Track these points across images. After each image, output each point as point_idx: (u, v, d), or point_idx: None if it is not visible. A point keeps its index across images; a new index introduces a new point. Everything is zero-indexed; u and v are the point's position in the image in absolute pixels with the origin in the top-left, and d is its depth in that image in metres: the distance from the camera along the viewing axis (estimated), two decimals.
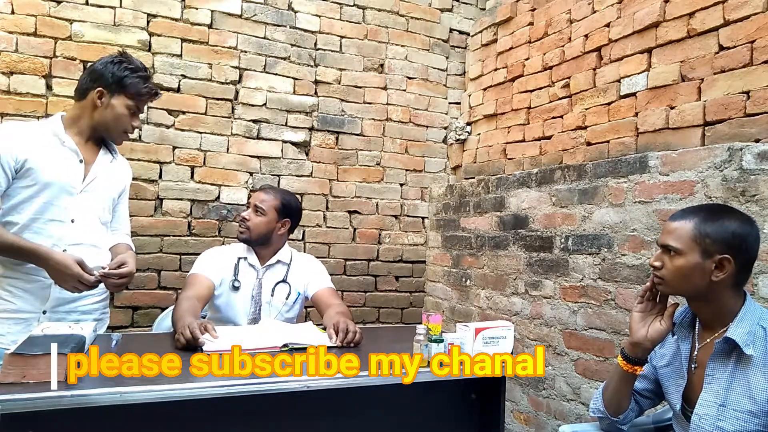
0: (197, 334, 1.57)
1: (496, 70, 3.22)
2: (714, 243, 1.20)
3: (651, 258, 1.31)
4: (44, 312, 1.66)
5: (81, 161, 1.71)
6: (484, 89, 3.31)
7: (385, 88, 3.29)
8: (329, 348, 1.63)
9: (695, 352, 1.30)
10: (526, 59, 3.00)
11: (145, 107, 2.69)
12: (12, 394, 1.15)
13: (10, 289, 1.63)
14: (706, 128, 2.04)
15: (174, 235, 2.79)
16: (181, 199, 2.81)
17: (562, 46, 2.75)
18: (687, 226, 1.24)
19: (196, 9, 2.84)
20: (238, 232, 2.10)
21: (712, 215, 1.24)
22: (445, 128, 3.49)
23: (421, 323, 1.59)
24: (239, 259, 2.08)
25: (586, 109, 2.59)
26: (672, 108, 2.18)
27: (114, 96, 1.69)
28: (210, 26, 2.88)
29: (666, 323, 1.28)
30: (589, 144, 2.56)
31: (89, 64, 1.68)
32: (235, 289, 2.02)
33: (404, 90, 3.35)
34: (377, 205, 3.28)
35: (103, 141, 1.81)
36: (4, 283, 1.63)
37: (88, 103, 1.69)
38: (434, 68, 3.44)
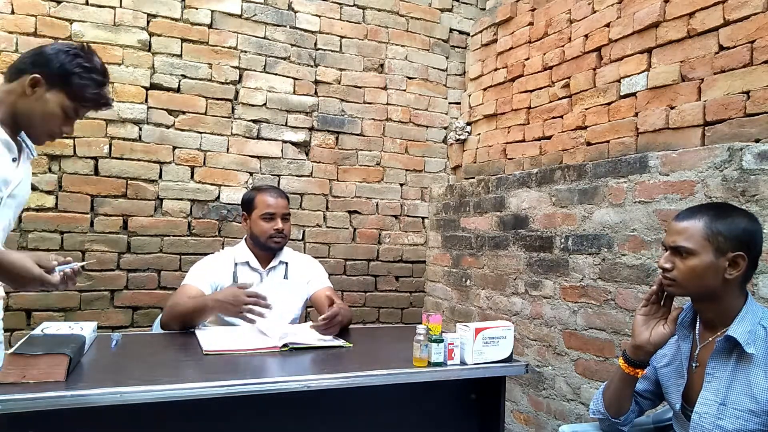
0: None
1: (496, 70, 3.22)
2: (727, 241, 1.20)
3: (659, 260, 1.28)
4: None
5: (14, 160, 1.42)
6: (484, 89, 3.31)
7: (385, 88, 3.30)
8: (324, 347, 1.64)
9: (696, 352, 1.30)
10: (526, 59, 3.00)
11: (146, 108, 2.73)
12: (12, 394, 1.15)
13: None
14: (706, 128, 2.04)
15: (174, 235, 2.79)
16: (181, 199, 2.81)
17: (562, 46, 2.75)
18: (698, 226, 1.23)
19: (196, 9, 2.84)
20: (275, 242, 2.07)
21: (721, 213, 1.24)
22: (445, 128, 3.49)
23: (421, 323, 1.58)
24: (236, 264, 2.06)
25: (586, 109, 2.59)
26: (672, 108, 2.18)
27: (51, 90, 1.38)
28: (210, 26, 2.88)
29: (669, 327, 1.28)
30: (589, 144, 2.56)
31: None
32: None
33: (404, 90, 3.35)
34: (377, 205, 3.28)
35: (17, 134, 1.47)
36: None
37: (17, 88, 1.38)
38: (434, 68, 3.45)
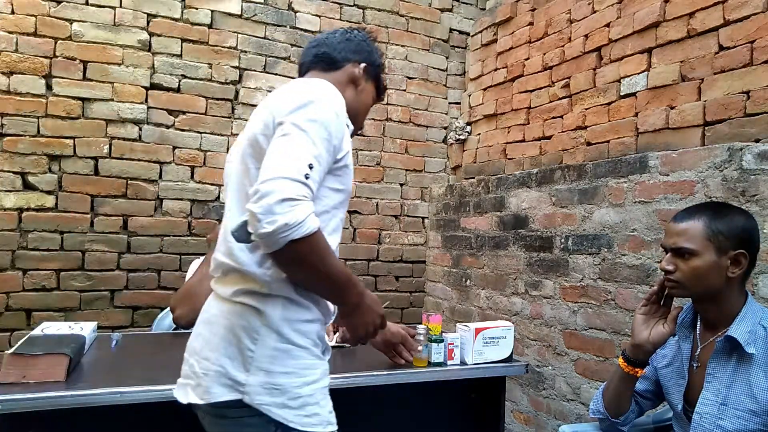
0: None
1: (496, 70, 3.22)
2: (727, 239, 1.20)
3: (661, 262, 1.28)
4: None
5: None
6: (484, 89, 3.31)
7: (385, 89, 3.28)
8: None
9: (696, 352, 1.30)
10: (526, 59, 3.00)
11: (146, 108, 2.73)
12: (12, 394, 1.15)
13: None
14: (706, 128, 2.04)
15: (174, 235, 2.79)
16: (181, 199, 2.81)
17: (562, 46, 2.75)
18: (697, 226, 1.23)
19: (196, 9, 2.84)
20: None
21: (719, 212, 1.25)
22: (445, 128, 3.49)
23: (421, 323, 1.59)
24: None
25: (586, 109, 2.59)
26: (672, 108, 2.18)
27: (369, 81, 1.30)
28: (210, 26, 2.88)
29: (669, 327, 1.28)
30: (589, 144, 2.56)
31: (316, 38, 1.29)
32: None
33: (404, 90, 3.35)
34: (377, 205, 3.28)
35: None
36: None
37: (343, 77, 1.23)
38: (434, 68, 3.44)
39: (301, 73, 1.26)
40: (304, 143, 0.96)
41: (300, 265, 0.95)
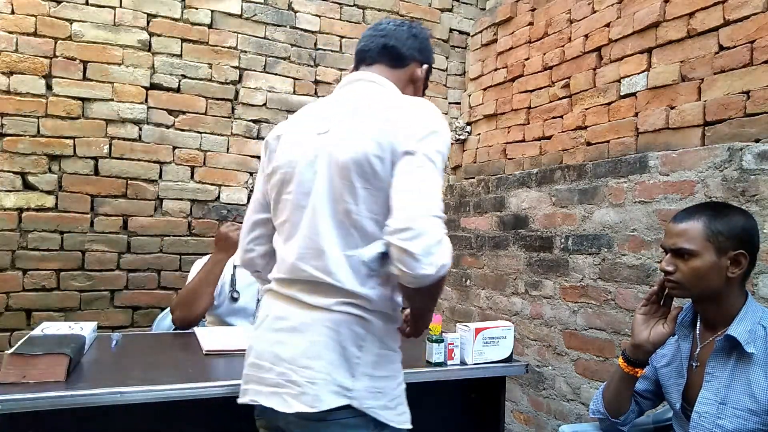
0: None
1: (496, 70, 3.22)
2: (727, 240, 1.21)
3: (661, 262, 1.29)
4: None
5: None
6: (484, 89, 3.31)
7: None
8: None
9: (696, 351, 1.30)
10: (526, 59, 3.00)
11: (146, 108, 2.74)
12: (12, 394, 1.15)
13: None
14: (706, 128, 2.04)
15: (174, 235, 2.79)
16: (181, 199, 2.81)
17: (562, 46, 2.75)
18: (697, 226, 1.23)
19: (196, 9, 2.84)
20: None
21: (718, 212, 1.25)
22: None
23: None
24: (235, 267, 2.05)
25: (586, 109, 2.59)
26: (672, 108, 2.18)
27: (423, 82, 1.28)
28: (210, 26, 2.88)
29: (669, 327, 1.28)
30: (589, 144, 2.56)
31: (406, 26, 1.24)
32: (234, 300, 2.02)
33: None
34: None
35: None
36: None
37: (405, 76, 1.22)
38: (434, 68, 3.43)
39: (365, 62, 1.19)
40: (437, 177, 1.01)
41: (434, 294, 1.09)
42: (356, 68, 1.22)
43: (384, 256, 1.00)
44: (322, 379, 1.00)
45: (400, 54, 1.19)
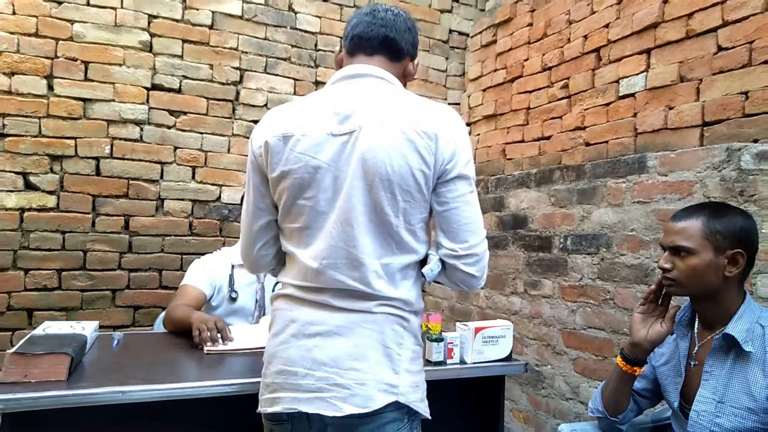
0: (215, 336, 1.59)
1: (495, 70, 3.23)
2: (725, 239, 1.21)
3: (659, 260, 1.29)
4: None
5: None
6: (484, 90, 3.31)
7: None
8: None
9: (694, 350, 1.30)
10: (526, 60, 3.00)
11: (147, 108, 2.74)
12: (14, 393, 1.15)
13: None
14: (705, 128, 2.05)
15: (175, 235, 2.80)
16: (182, 199, 2.82)
17: (561, 46, 2.75)
18: (696, 225, 1.23)
19: (197, 10, 2.85)
20: None
21: (717, 212, 1.25)
22: None
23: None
24: (233, 267, 2.05)
25: (585, 109, 2.59)
26: (671, 108, 2.18)
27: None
28: (211, 27, 2.88)
29: (667, 325, 1.28)
30: (587, 144, 2.57)
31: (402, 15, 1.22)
32: (233, 300, 2.02)
33: None
34: None
35: None
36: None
37: (401, 71, 1.20)
38: (434, 69, 3.45)
39: (365, 51, 1.16)
40: (477, 196, 1.14)
41: None
42: (352, 54, 1.18)
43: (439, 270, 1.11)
44: (371, 380, 1.02)
45: (399, 48, 1.17)
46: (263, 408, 1.10)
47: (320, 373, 1.02)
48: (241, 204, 2.40)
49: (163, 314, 2.31)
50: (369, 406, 1.00)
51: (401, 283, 1.08)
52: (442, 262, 1.11)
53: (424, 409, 1.09)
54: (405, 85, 1.22)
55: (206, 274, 2.02)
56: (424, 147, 1.02)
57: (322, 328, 1.05)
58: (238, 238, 2.21)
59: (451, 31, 3.49)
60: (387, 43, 1.15)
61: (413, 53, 1.21)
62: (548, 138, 2.82)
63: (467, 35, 3.52)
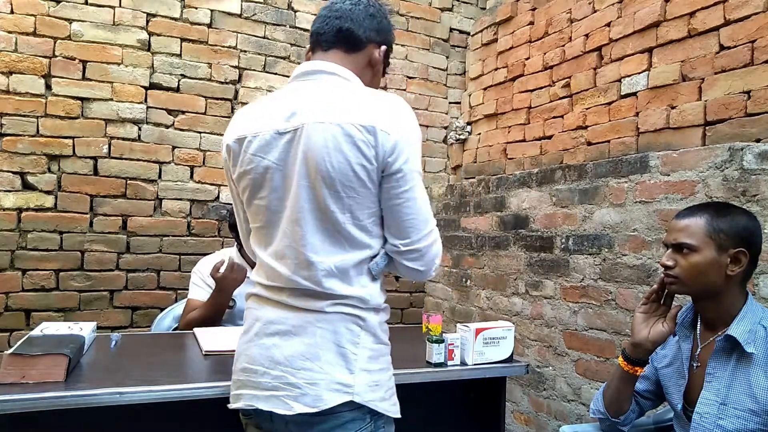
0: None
1: (496, 69, 3.22)
2: (728, 237, 1.21)
3: (662, 258, 1.29)
4: None
5: None
6: (485, 89, 3.30)
7: (385, 88, 3.29)
8: None
9: (697, 352, 1.30)
10: (527, 59, 2.99)
11: (145, 108, 2.73)
12: (11, 394, 1.15)
13: None
14: (707, 128, 2.04)
15: (173, 235, 2.79)
16: (180, 199, 2.81)
17: (563, 45, 2.74)
18: (699, 223, 1.23)
19: (196, 8, 2.84)
20: None
21: (721, 211, 1.25)
22: (446, 128, 3.48)
23: (421, 323, 1.58)
24: None
25: (587, 108, 2.58)
26: (673, 108, 2.17)
27: (382, 63, 1.21)
28: (209, 26, 2.87)
29: (668, 325, 1.28)
30: (589, 144, 2.56)
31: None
32: (230, 307, 2.02)
33: (404, 89, 3.34)
34: None
35: None
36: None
37: (364, 60, 1.16)
38: (434, 68, 3.44)
39: (321, 46, 1.14)
40: (423, 187, 1.10)
41: None
42: (312, 51, 1.16)
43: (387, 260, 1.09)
44: (321, 379, 1.01)
45: (356, 37, 1.13)
46: (230, 403, 1.12)
47: (276, 372, 1.03)
48: None
49: (161, 315, 2.31)
50: (318, 406, 1.00)
51: (356, 280, 1.05)
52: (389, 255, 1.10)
53: (387, 408, 1.06)
54: (377, 74, 1.20)
55: (206, 282, 2.04)
56: (362, 140, 0.99)
57: (281, 327, 1.05)
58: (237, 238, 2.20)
59: (451, 29, 3.49)
60: (342, 35, 1.12)
61: (378, 39, 1.16)
62: (550, 137, 2.81)
63: (468, 34, 3.51)
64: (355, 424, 1.03)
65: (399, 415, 1.10)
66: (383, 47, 1.17)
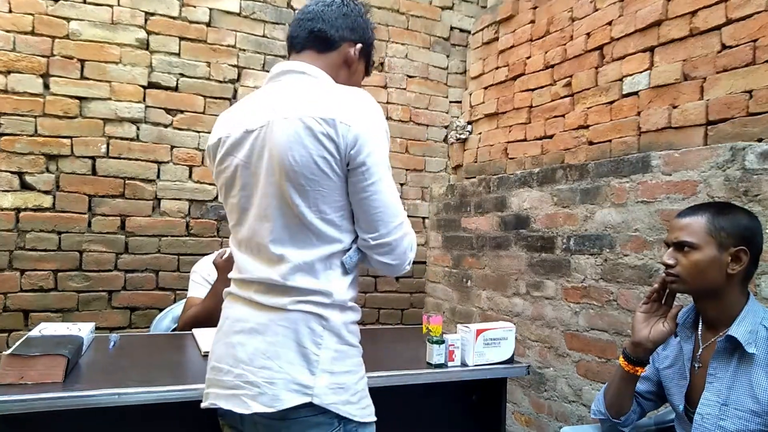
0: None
1: (497, 68, 3.21)
2: (729, 236, 1.21)
3: (663, 257, 1.29)
4: None
5: None
6: (485, 88, 3.29)
7: (385, 87, 3.28)
8: None
9: (698, 353, 1.29)
10: (528, 57, 2.98)
11: (144, 107, 2.72)
12: (10, 395, 1.15)
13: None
14: (709, 127, 2.03)
15: (172, 236, 2.78)
16: (179, 199, 2.80)
17: (564, 44, 2.73)
18: (700, 221, 1.24)
19: (195, 7, 2.83)
20: None
21: (722, 209, 1.26)
22: (446, 127, 3.48)
23: (421, 324, 1.57)
24: None
25: (588, 108, 2.57)
26: (674, 107, 2.16)
27: (361, 61, 1.21)
28: (208, 24, 2.86)
29: (669, 325, 1.28)
30: (591, 143, 2.55)
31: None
32: None
33: (404, 89, 3.33)
34: None
35: None
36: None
37: (338, 59, 1.16)
38: (435, 66, 3.43)
39: (294, 49, 1.16)
40: (391, 179, 1.08)
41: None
42: (288, 54, 1.19)
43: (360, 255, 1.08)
44: (280, 379, 0.99)
45: (328, 37, 1.13)
46: (201, 403, 1.12)
47: (238, 371, 1.03)
48: None
49: (159, 315, 2.30)
50: (275, 406, 0.98)
51: (323, 275, 1.04)
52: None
53: (353, 412, 1.03)
54: (356, 73, 1.20)
55: (205, 281, 2.04)
56: (321, 133, 0.99)
57: (246, 325, 1.05)
58: None
59: (452, 28, 3.48)
60: (314, 36, 1.14)
61: (353, 38, 1.16)
62: (551, 137, 2.80)
63: (468, 32, 3.50)
64: (321, 428, 1.00)
65: (373, 419, 1.08)
66: (359, 45, 1.17)
